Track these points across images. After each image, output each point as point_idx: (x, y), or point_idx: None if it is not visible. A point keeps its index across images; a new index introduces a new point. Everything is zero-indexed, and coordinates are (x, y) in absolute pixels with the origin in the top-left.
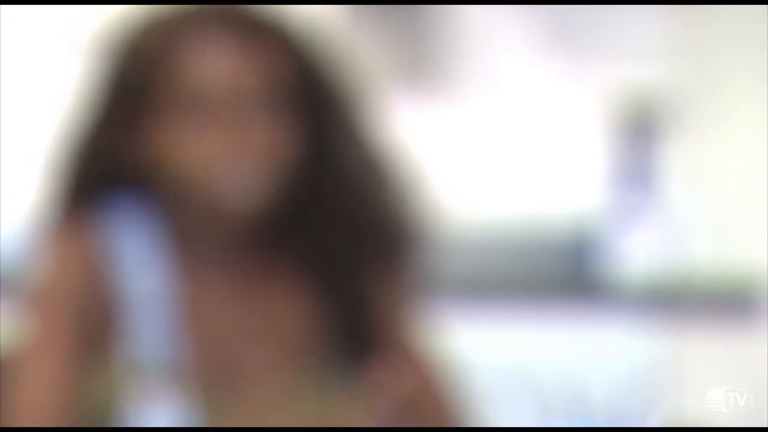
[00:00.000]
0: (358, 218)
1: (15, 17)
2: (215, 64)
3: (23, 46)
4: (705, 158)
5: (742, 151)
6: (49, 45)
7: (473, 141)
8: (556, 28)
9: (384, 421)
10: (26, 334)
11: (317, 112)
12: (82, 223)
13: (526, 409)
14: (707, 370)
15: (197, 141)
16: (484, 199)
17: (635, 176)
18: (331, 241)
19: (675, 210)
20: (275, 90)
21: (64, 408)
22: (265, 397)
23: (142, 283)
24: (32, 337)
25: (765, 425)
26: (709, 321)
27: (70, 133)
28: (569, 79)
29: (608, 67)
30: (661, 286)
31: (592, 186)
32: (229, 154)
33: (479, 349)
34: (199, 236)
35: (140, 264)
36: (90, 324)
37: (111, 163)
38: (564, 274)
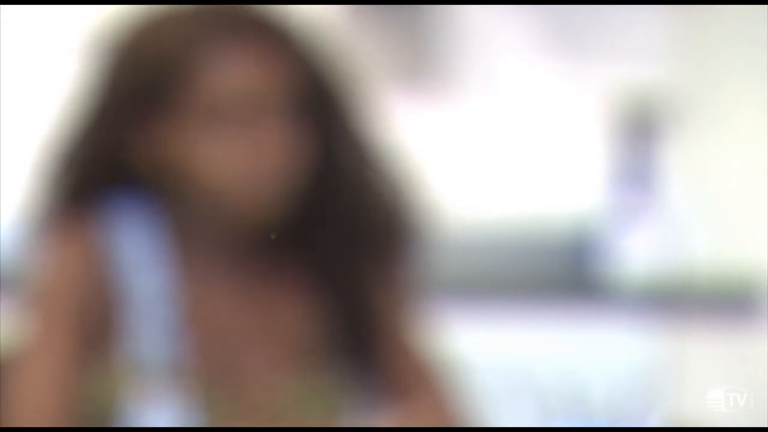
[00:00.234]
0: (359, 219)
1: (15, 17)
2: (234, 72)
3: (23, 46)
4: (705, 158)
5: (742, 151)
6: (50, 45)
7: (473, 141)
8: (556, 28)
9: None
10: (26, 334)
11: (324, 118)
12: (83, 222)
13: (526, 409)
14: (707, 370)
15: (215, 147)
16: (484, 199)
17: (635, 176)
18: (333, 242)
19: (675, 210)
20: (288, 97)
21: (64, 408)
22: (265, 397)
23: (143, 283)
24: (32, 337)
25: (765, 425)
26: (709, 321)
27: (72, 132)
28: (569, 79)
29: (608, 67)
30: (661, 286)
31: (592, 186)
32: (248, 162)
33: (479, 349)
34: (203, 238)
35: (142, 264)
36: (90, 323)
37: (115, 162)
38: (564, 274)
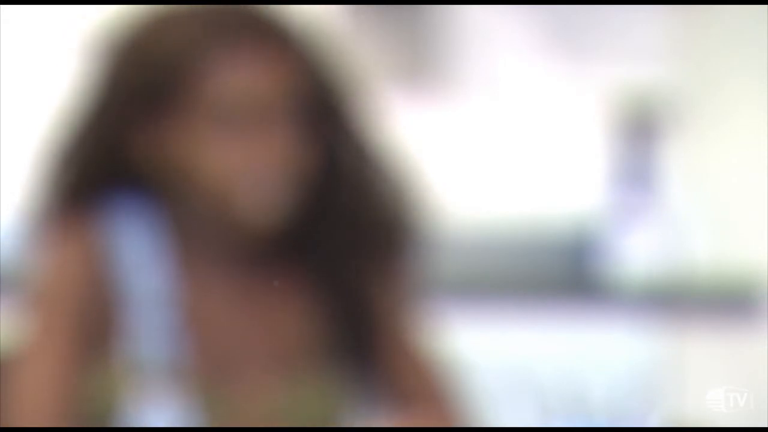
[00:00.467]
0: (360, 220)
1: (15, 17)
2: (238, 73)
3: (23, 46)
4: (705, 158)
5: (742, 151)
6: (50, 45)
7: (473, 141)
8: (556, 28)
9: None
10: (26, 334)
11: (326, 120)
12: (83, 221)
13: (526, 409)
14: (707, 370)
15: (219, 148)
16: (484, 199)
17: (635, 176)
18: (333, 243)
19: (675, 210)
20: (291, 98)
21: (63, 408)
22: (265, 398)
23: (143, 284)
24: (32, 337)
25: (765, 425)
26: (709, 321)
27: (72, 131)
28: (569, 80)
29: (608, 67)
30: (661, 286)
31: (592, 186)
32: (251, 163)
33: (479, 349)
34: (204, 238)
35: (142, 264)
36: (90, 324)
37: (115, 161)
38: (564, 274)
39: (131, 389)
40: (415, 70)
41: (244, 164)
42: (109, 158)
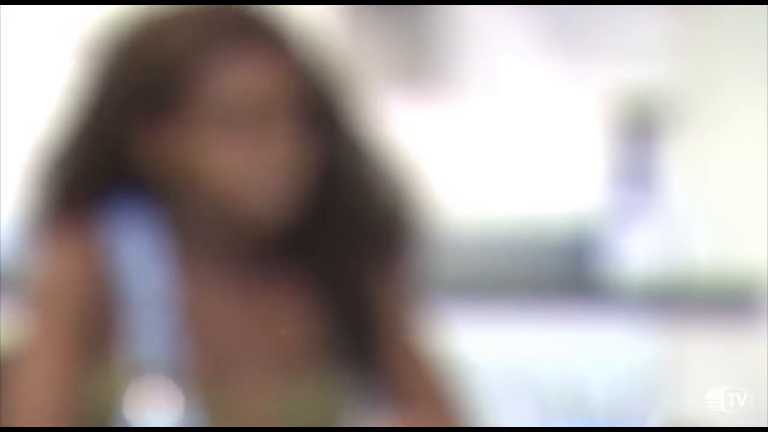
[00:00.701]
0: (360, 220)
1: (15, 17)
2: (240, 74)
3: (23, 46)
4: (705, 158)
5: (742, 151)
6: (50, 45)
7: (473, 141)
8: (556, 28)
9: None
10: (26, 334)
11: (326, 120)
12: (82, 222)
13: (526, 409)
14: (707, 370)
15: (220, 149)
16: (484, 199)
17: (635, 176)
18: (333, 244)
19: (675, 210)
20: (292, 99)
21: (64, 408)
22: (265, 398)
23: (143, 284)
24: (32, 337)
25: (765, 425)
26: (709, 321)
27: (71, 131)
28: (569, 80)
29: (608, 67)
30: (661, 286)
31: (592, 186)
32: (252, 164)
33: (479, 349)
34: (204, 239)
35: (142, 264)
36: (90, 324)
37: (114, 161)
38: (564, 274)
39: (131, 389)
40: (415, 70)
41: (244, 165)
42: (109, 158)
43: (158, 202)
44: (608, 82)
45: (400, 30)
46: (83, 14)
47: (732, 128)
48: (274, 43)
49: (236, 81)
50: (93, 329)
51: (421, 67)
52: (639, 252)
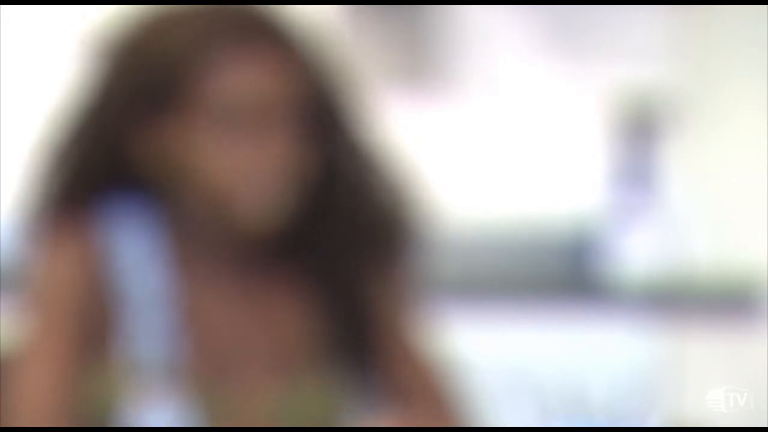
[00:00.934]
0: (359, 221)
1: (15, 17)
2: (240, 74)
3: (23, 46)
4: (705, 158)
5: (742, 151)
6: (50, 44)
7: (473, 141)
8: (556, 28)
9: None
10: (26, 334)
11: (327, 123)
12: (81, 221)
13: (526, 409)
14: (707, 370)
15: (219, 149)
16: (484, 199)
17: (635, 176)
18: (332, 244)
19: (675, 210)
20: (292, 100)
21: (63, 408)
22: (264, 398)
23: (141, 284)
24: (31, 337)
25: (765, 425)
26: (709, 321)
27: (70, 131)
28: (569, 80)
29: (608, 67)
30: (661, 286)
31: (592, 186)
32: (253, 167)
33: (479, 349)
34: (203, 239)
35: (140, 264)
36: (89, 324)
37: (113, 161)
38: (564, 274)
39: (130, 389)
40: (415, 70)
41: (244, 165)
42: (108, 158)
43: (157, 202)
44: (608, 82)
45: (400, 30)
46: (83, 14)
47: (732, 128)
48: (275, 44)
49: (237, 81)
50: (92, 329)
51: (421, 67)
52: (639, 252)
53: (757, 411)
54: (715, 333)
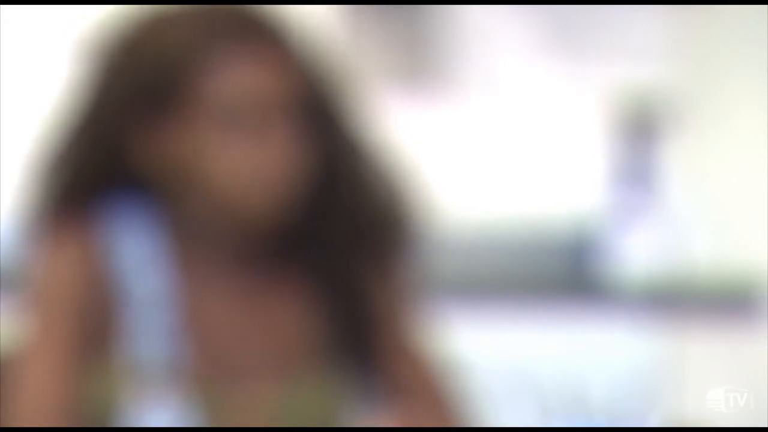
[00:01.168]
0: (358, 220)
1: (15, 17)
2: (239, 74)
3: (23, 46)
4: (705, 158)
5: (742, 151)
6: (50, 44)
7: (473, 141)
8: (556, 28)
9: None
10: (26, 334)
11: (325, 122)
12: (81, 222)
13: (526, 409)
14: (707, 370)
15: (218, 149)
16: (484, 199)
17: (635, 176)
18: (332, 244)
19: (675, 210)
20: (291, 100)
21: (64, 408)
22: (264, 398)
23: (142, 284)
24: (32, 338)
25: (765, 425)
26: (709, 321)
27: (69, 131)
28: (569, 80)
29: (608, 67)
30: (661, 286)
31: (592, 186)
32: (251, 164)
33: (479, 349)
34: (203, 239)
35: (141, 264)
36: (89, 324)
37: (113, 161)
38: (564, 274)
39: (131, 389)
40: (415, 70)
41: (243, 164)
42: (107, 158)
43: (157, 202)
44: (608, 82)
45: (400, 30)
46: (83, 14)
47: (732, 128)
48: (274, 43)
49: (235, 81)
50: (92, 329)
51: (421, 67)
52: (639, 252)
53: (757, 411)
54: (715, 333)
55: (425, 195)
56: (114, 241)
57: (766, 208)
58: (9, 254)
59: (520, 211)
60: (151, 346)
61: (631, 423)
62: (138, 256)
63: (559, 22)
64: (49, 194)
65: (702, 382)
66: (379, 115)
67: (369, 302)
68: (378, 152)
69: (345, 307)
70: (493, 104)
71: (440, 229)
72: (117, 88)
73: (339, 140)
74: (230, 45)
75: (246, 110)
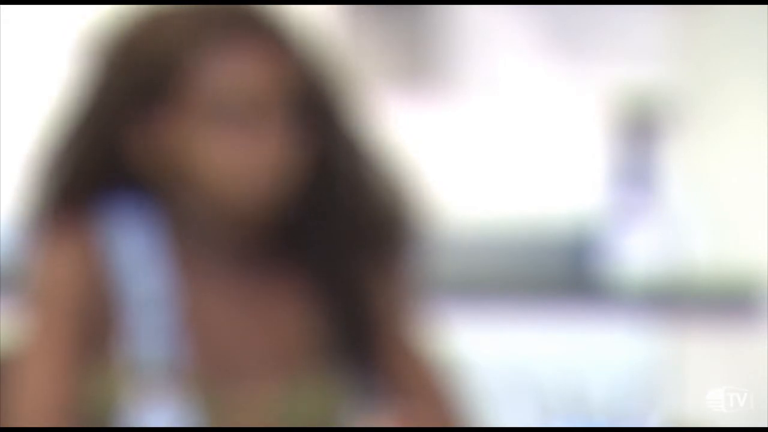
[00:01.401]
0: (358, 220)
1: (15, 17)
2: (233, 70)
3: (22, 45)
4: (705, 158)
5: (742, 151)
6: (50, 44)
7: (473, 141)
8: (556, 28)
9: None
10: (26, 334)
11: (322, 118)
12: (80, 221)
13: (526, 409)
14: (707, 370)
15: (213, 145)
16: (484, 199)
17: (635, 176)
18: (331, 243)
19: (675, 210)
20: (286, 96)
21: (64, 408)
22: (264, 398)
23: (141, 283)
24: (31, 338)
25: (765, 425)
26: (709, 321)
27: (67, 131)
28: (569, 80)
29: (608, 67)
30: (661, 286)
31: (592, 186)
32: (245, 160)
33: (479, 349)
34: (201, 238)
35: (140, 264)
36: (89, 324)
37: (111, 160)
38: (564, 274)
39: (131, 389)
40: (415, 70)
41: (234, 158)
42: (105, 157)
43: (156, 201)
44: (608, 82)
45: (400, 30)
46: (83, 14)
47: (732, 128)
48: (269, 40)
49: (230, 77)
50: (92, 329)
51: (421, 67)
52: (639, 252)
53: (757, 411)
54: (715, 333)
55: (425, 195)
56: (113, 240)
57: (766, 208)
58: (9, 254)
59: (520, 211)
60: (151, 346)
61: (631, 423)
62: (138, 255)
63: (559, 22)
64: (48, 194)
65: (702, 382)
66: (379, 115)
67: (369, 302)
68: (378, 152)
69: (345, 307)
70: (493, 104)
71: (440, 229)
72: (114, 86)
73: (338, 139)
74: (225, 41)
75: (240, 105)
